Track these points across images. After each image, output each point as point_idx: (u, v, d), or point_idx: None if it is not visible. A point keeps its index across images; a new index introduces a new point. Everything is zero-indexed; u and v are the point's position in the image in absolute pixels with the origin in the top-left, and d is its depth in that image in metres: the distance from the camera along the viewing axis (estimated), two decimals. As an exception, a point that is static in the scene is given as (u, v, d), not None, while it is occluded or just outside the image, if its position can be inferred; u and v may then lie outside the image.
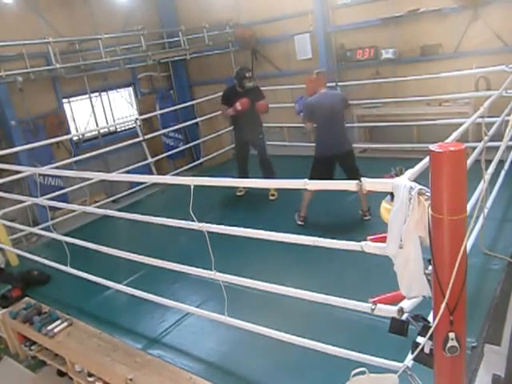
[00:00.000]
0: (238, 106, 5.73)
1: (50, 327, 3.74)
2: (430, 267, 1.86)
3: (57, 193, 5.98)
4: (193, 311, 3.33)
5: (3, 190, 5.06)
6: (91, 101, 8.10)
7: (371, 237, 2.22)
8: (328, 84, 7.51)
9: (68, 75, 7.20)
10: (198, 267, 3.07)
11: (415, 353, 1.95)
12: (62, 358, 3.66)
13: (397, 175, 2.68)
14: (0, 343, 4.41)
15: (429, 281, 1.90)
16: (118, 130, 8.90)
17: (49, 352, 3.88)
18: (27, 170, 5.36)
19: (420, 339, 1.96)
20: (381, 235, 2.11)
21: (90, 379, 3.45)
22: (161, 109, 8.22)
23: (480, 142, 3.61)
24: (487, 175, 3.53)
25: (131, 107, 9.27)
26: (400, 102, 7.07)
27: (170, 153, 8.03)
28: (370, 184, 2.02)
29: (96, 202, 6.91)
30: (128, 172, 6.52)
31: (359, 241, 2.22)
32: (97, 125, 8.37)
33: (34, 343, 4.00)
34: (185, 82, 9.80)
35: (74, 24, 7.72)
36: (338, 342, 2.53)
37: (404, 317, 2.12)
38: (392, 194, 1.94)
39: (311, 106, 4.92)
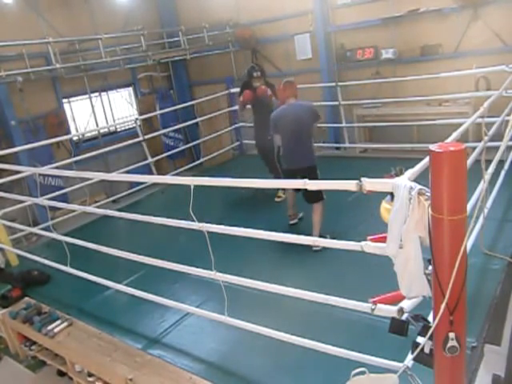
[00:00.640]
0: (241, 98, 5.88)
1: (50, 327, 3.74)
2: (430, 267, 1.86)
3: (57, 193, 5.98)
4: (193, 311, 3.33)
5: (3, 190, 5.06)
6: (91, 101, 8.11)
7: (371, 237, 2.22)
8: (328, 84, 7.60)
9: (68, 75, 7.21)
10: (198, 267, 3.07)
11: (415, 353, 1.95)
12: (62, 358, 3.66)
13: (397, 175, 2.68)
14: (0, 343, 4.42)
15: (429, 281, 1.90)
16: (118, 130, 8.90)
17: (49, 352, 3.88)
18: (27, 170, 5.36)
19: (420, 339, 1.96)
20: (381, 235, 2.11)
21: (90, 379, 3.45)
22: (161, 109, 8.23)
23: (480, 142, 3.61)
24: (487, 175, 3.53)
25: (131, 107, 9.27)
26: (400, 102, 7.07)
27: (170, 153, 8.04)
28: (370, 184, 2.01)
29: (96, 202, 6.91)
30: (128, 172, 6.52)
31: (359, 241, 2.22)
32: (97, 125, 8.38)
33: (34, 343, 4.00)
34: (185, 82, 9.80)
35: (74, 24, 7.73)
36: (338, 341, 2.53)
37: (404, 317, 2.12)
38: (392, 194, 1.94)
39: (275, 117, 4.76)
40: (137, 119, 7.21)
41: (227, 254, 4.39)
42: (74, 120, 8.19)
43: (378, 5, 7.18)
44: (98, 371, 3.35)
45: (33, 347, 4.01)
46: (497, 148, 4.05)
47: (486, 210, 3.70)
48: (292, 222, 5.03)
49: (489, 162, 3.76)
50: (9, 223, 5.06)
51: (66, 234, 4.58)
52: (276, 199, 5.93)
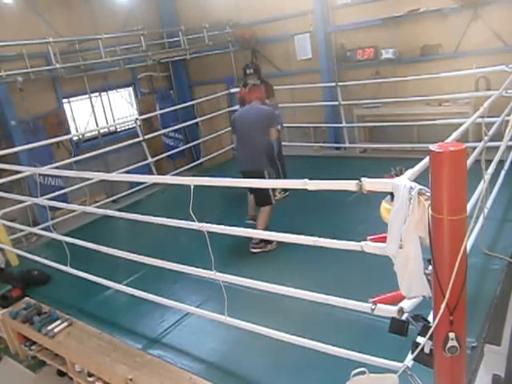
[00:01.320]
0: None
1: (50, 327, 3.74)
2: (430, 267, 1.86)
3: (57, 193, 5.99)
4: (193, 311, 3.33)
5: (3, 190, 5.06)
6: (91, 101, 8.11)
7: (371, 237, 2.22)
8: (328, 84, 7.60)
9: (68, 75, 7.20)
10: (197, 267, 3.06)
11: (415, 353, 1.95)
12: (62, 358, 3.66)
13: (397, 175, 2.68)
14: (0, 343, 4.42)
15: (429, 281, 1.90)
16: (118, 130, 8.90)
17: (49, 352, 3.88)
18: (27, 170, 5.36)
19: (420, 339, 1.96)
20: (381, 235, 2.11)
21: (90, 379, 3.45)
22: (161, 109, 8.22)
23: (480, 142, 3.61)
24: (487, 175, 3.53)
25: (131, 107, 9.27)
26: (400, 102, 7.07)
27: (170, 153, 8.03)
28: (370, 184, 2.01)
29: (96, 201, 6.91)
30: (128, 172, 6.51)
31: (359, 241, 2.22)
32: (97, 125, 8.37)
33: (34, 343, 4.00)
34: (185, 82, 9.80)
35: (74, 24, 7.73)
36: (338, 341, 2.53)
37: (404, 317, 2.12)
38: (392, 194, 1.94)
39: (233, 118, 4.90)
40: (137, 119, 7.21)
41: (227, 253, 4.41)
42: (74, 120, 8.19)
43: (377, 5, 7.18)
44: (97, 371, 3.35)
45: (33, 347, 4.01)
46: (497, 148, 4.05)
47: (486, 210, 3.70)
48: (249, 222, 4.95)
49: (489, 162, 3.76)
50: (9, 223, 5.06)
51: (66, 234, 4.57)
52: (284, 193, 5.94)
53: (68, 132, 7.68)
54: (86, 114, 8.32)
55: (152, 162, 7.10)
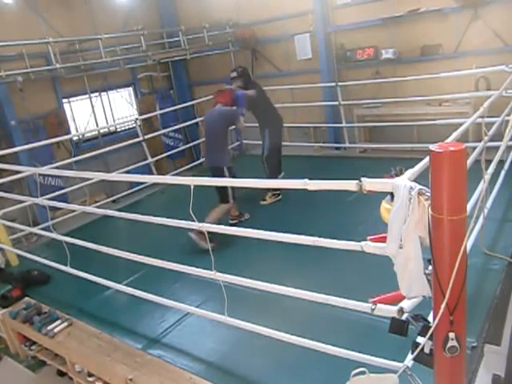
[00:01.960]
0: None
1: (50, 327, 3.74)
2: (430, 267, 1.86)
3: (57, 193, 5.99)
4: (193, 311, 3.33)
5: (3, 190, 5.06)
6: (91, 101, 8.11)
7: (371, 237, 2.22)
8: (328, 84, 7.59)
9: (68, 75, 7.21)
10: (198, 267, 3.06)
11: (415, 353, 1.95)
12: (62, 358, 3.66)
13: (397, 175, 2.68)
14: (0, 343, 4.42)
15: (429, 281, 1.89)
16: (118, 130, 8.90)
17: (49, 352, 3.88)
18: (27, 170, 5.36)
19: (420, 339, 1.96)
20: (381, 235, 2.11)
21: (90, 379, 3.45)
22: (161, 109, 8.23)
23: (480, 142, 3.61)
24: (487, 175, 3.53)
25: (131, 107, 9.27)
26: (400, 102, 7.06)
27: (170, 153, 8.04)
28: (370, 184, 2.01)
29: (96, 201, 6.91)
30: (128, 172, 6.52)
31: (359, 241, 2.22)
32: (97, 125, 8.38)
33: (34, 343, 4.00)
34: (185, 82, 9.81)
35: (73, 24, 7.73)
36: (338, 341, 2.52)
37: (404, 317, 2.12)
38: (392, 194, 1.94)
39: (203, 119, 5.38)
40: (137, 119, 7.21)
41: (227, 253, 4.41)
42: (74, 120, 8.19)
43: (377, 5, 7.17)
44: (97, 371, 3.35)
45: (33, 347, 4.01)
46: (497, 148, 4.05)
47: (486, 210, 3.70)
48: (232, 222, 4.94)
49: (489, 162, 3.75)
50: (9, 223, 5.06)
51: (65, 234, 4.58)
52: (261, 202, 5.93)
53: (68, 132, 7.68)
54: (85, 114, 8.32)
55: (152, 162, 7.11)
